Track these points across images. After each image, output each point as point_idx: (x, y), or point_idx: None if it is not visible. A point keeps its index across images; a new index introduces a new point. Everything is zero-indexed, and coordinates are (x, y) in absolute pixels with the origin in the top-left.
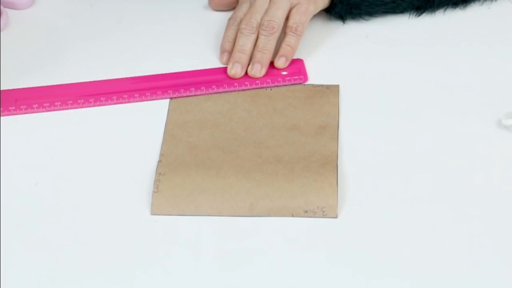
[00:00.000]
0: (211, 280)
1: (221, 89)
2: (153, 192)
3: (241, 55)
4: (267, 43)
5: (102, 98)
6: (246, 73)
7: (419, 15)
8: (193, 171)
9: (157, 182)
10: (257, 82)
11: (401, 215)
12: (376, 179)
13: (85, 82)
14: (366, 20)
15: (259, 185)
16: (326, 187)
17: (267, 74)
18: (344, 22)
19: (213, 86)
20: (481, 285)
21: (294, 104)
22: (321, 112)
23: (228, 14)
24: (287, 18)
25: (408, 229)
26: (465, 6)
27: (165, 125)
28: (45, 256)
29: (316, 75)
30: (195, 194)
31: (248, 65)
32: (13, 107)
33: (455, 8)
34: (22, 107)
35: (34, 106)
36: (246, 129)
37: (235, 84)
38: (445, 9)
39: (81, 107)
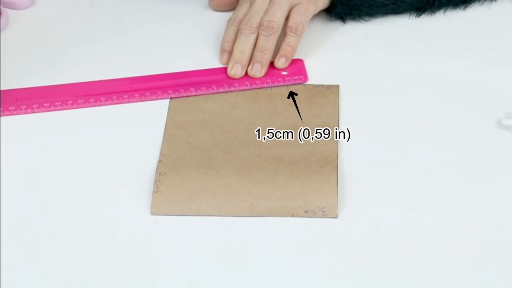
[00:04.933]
0: (211, 280)
1: (221, 89)
2: (153, 192)
3: (241, 55)
4: (267, 43)
5: (102, 98)
6: (246, 73)
7: (419, 16)
8: (193, 171)
9: (157, 182)
10: (257, 82)
11: (401, 215)
12: (376, 179)
13: (85, 82)
14: (366, 20)
15: (259, 185)
16: (326, 187)
17: (267, 74)
18: (344, 23)
19: (213, 86)
20: (481, 285)
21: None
22: (321, 112)
23: (228, 14)
24: (287, 18)
25: (408, 230)
26: (466, 7)
27: (165, 125)
28: (45, 256)
29: (316, 75)
30: (195, 194)
31: (248, 65)
32: (13, 107)
33: (455, 9)
34: (22, 107)
35: (34, 106)
36: (246, 129)
37: (235, 84)
38: (445, 9)
39: (81, 107)
